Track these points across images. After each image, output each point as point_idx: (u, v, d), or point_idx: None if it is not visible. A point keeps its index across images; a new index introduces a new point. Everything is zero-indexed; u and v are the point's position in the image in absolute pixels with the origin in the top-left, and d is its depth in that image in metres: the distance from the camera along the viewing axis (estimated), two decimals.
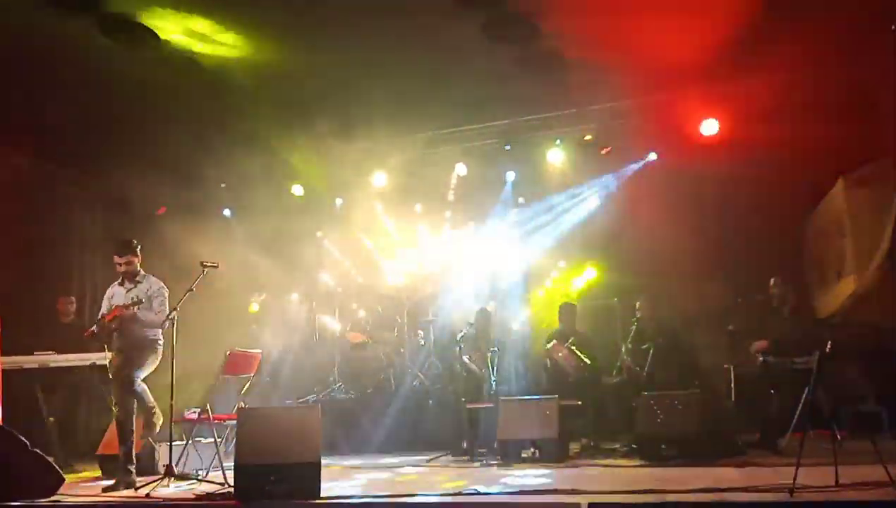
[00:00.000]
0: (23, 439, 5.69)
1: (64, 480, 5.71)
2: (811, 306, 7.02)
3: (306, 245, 11.04)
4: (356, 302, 10.76)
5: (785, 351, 6.57)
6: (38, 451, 5.72)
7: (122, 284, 6.43)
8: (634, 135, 9.68)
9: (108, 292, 6.54)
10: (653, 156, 9.85)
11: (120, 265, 6.35)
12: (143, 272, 6.44)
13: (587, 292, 9.74)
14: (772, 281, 7.11)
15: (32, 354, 7.69)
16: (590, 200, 10.44)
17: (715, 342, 7.97)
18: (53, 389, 7.75)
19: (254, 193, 10.56)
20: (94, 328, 6.37)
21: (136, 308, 6.13)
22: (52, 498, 5.47)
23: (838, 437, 5.94)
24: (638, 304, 7.98)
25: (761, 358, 6.71)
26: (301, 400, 9.54)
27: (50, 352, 7.71)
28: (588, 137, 9.80)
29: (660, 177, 9.73)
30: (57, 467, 5.75)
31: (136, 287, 6.35)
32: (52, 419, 7.70)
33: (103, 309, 6.42)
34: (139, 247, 6.46)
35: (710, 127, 9.15)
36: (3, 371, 6.26)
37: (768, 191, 8.90)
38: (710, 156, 9.06)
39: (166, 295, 6.39)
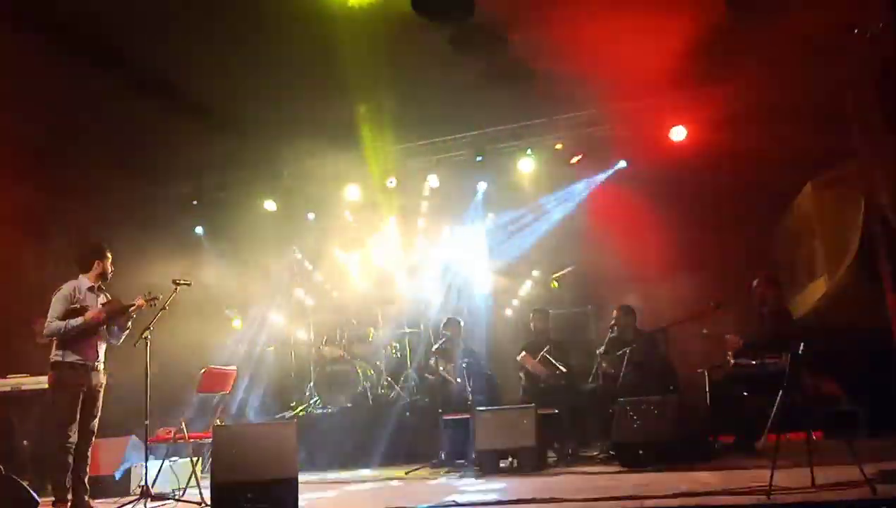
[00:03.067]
0: None
1: (38, 503, 5.62)
2: (788, 307, 7.07)
3: (280, 260, 10.96)
4: (330, 316, 10.71)
5: (761, 351, 6.64)
6: (11, 475, 5.64)
7: (91, 290, 5.99)
8: (604, 143, 9.75)
9: (68, 291, 5.89)
10: (622, 164, 9.92)
11: (112, 269, 6.08)
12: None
13: (560, 299, 9.74)
14: (754, 281, 7.16)
15: (6, 377, 7.56)
16: (557, 211, 10.47)
17: (690, 347, 8.04)
18: (27, 412, 7.59)
19: (225, 210, 10.52)
20: (91, 316, 5.81)
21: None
22: None
23: (813, 438, 6.06)
24: (614, 312, 8.02)
25: (732, 361, 6.77)
26: (279, 416, 9.46)
27: (24, 375, 7.58)
28: (558, 146, 9.86)
29: (631, 183, 9.81)
30: (30, 490, 5.65)
31: (102, 295, 6.04)
32: (25, 442, 7.56)
33: (83, 303, 5.87)
34: None
35: (678, 133, 9.26)
36: None
37: (739, 195, 9.03)
38: (680, 162, 9.17)
39: None
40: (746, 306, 7.25)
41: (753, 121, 8.52)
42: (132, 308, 5.88)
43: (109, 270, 6.07)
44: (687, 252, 9.13)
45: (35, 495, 5.63)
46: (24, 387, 7.46)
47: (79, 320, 5.74)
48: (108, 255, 6.09)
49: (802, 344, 6.14)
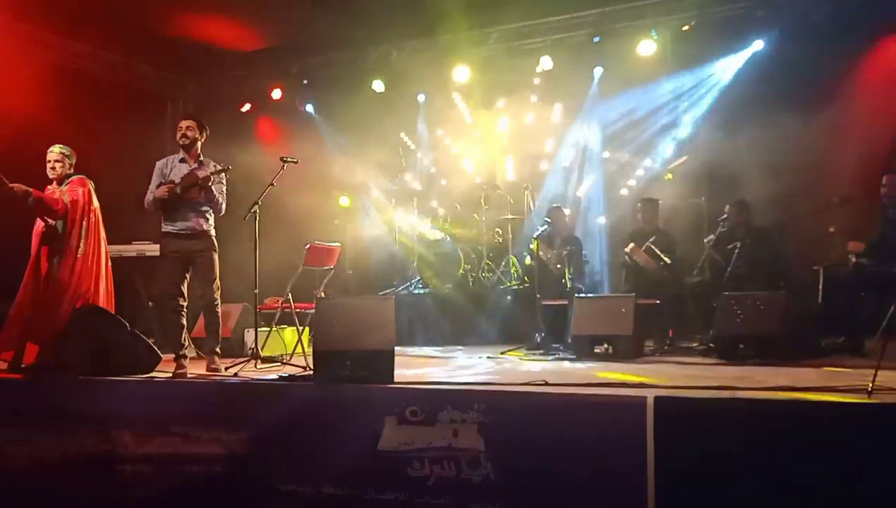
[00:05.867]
0: (123, 321, 6.12)
1: (161, 359, 6.15)
2: None
3: (387, 142, 11.04)
4: (435, 200, 10.80)
5: (886, 255, 6.20)
6: (137, 332, 6.16)
7: (183, 161, 6.14)
8: (738, 24, 9.02)
9: (162, 164, 6.15)
10: (759, 44, 9.17)
11: (181, 130, 6.13)
12: (201, 155, 6.22)
13: (674, 190, 9.37)
14: (884, 177, 6.62)
15: (131, 243, 8.17)
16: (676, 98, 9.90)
17: (810, 244, 7.63)
18: (151, 276, 8.18)
19: (335, 89, 10.59)
20: (162, 191, 5.97)
21: (215, 178, 5.96)
22: (150, 374, 5.91)
23: None
24: (727, 208, 7.66)
25: (854, 260, 6.37)
26: (382, 294, 9.80)
27: (147, 242, 8.15)
28: (685, 27, 9.24)
29: (763, 72, 9.10)
30: (155, 347, 6.17)
31: (199, 167, 6.09)
32: (150, 303, 8.21)
33: (156, 180, 6.11)
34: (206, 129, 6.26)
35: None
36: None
37: (878, 85, 8.24)
38: (818, 49, 8.36)
39: (225, 182, 6.23)
40: (875, 205, 6.73)
41: None
42: (201, 178, 5.93)
43: (178, 137, 6.15)
44: (815, 146, 8.42)
45: (158, 350, 6.15)
46: (147, 253, 8.05)
47: (150, 195, 6.07)
48: (183, 123, 6.18)
49: None
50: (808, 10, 8.44)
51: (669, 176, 9.63)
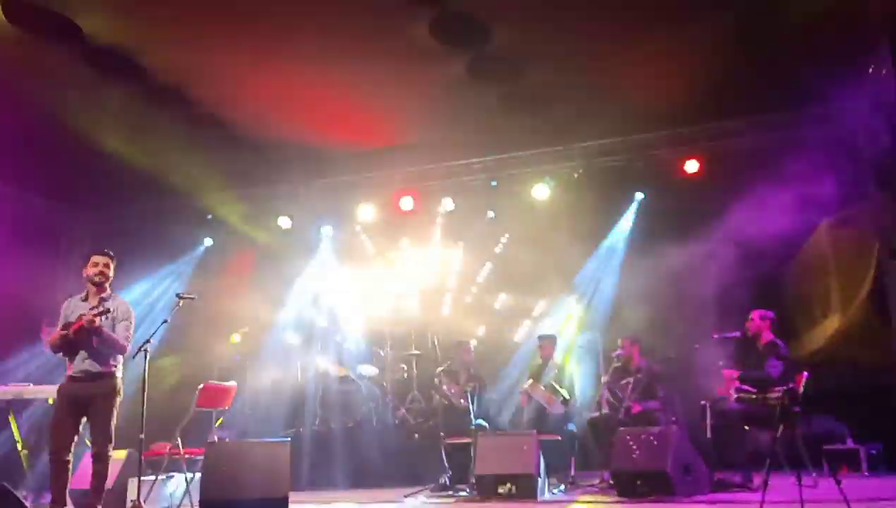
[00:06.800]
0: None
1: None
2: (784, 341, 7.01)
3: (291, 277, 11.02)
4: (339, 336, 10.72)
5: (759, 384, 6.58)
6: (5, 484, 5.67)
7: (85, 299, 5.81)
8: (621, 175, 9.74)
9: (67, 306, 5.87)
10: (639, 196, 9.89)
11: (96, 266, 5.80)
12: (110, 291, 5.90)
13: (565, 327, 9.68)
14: (751, 314, 7.12)
15: (7, 385, 7.67)
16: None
17: (694, 379, 7.94)
18: (27, 420, 7.66)
19: (238, 225, 10.63)
20: (53, 337, 5.73)
21: (101, 318, 5.54)
22: None
23: (813, 475, 5.95)
24: (620, 341, 7.97)
25: (735, 395, 6.69)
26: (284, 434, 9.45)
27: (26, 384, 7.66)
28: (576, 175, 9.86)
29: (643, 214, 9.79)
30: (24, 500, 5.68)
31: (100, 305, 5.64)
32: (24, 451, 7.63)
33: (61, 322, 5.80)
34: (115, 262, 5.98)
35: (692, 166, 9.26)
36: None
37: (752, 230, 8.94)
38: (693, 196, 9.12)
39: (133, 319, 5.89)
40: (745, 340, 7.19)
41: (768, 156, 8.50)
42: (72, 328, 5.62)
43: (93, 274, 5.82)
44: (697, 285, 8.98)
45: (27, 504, 5.66)
46: (24, 395, 7.55)
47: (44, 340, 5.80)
48: (93, 258, 5.87)
49: (805, 380, 6.09)
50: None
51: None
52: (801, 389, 6.42)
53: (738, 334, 7.10)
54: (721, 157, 9.16)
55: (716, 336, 7.01)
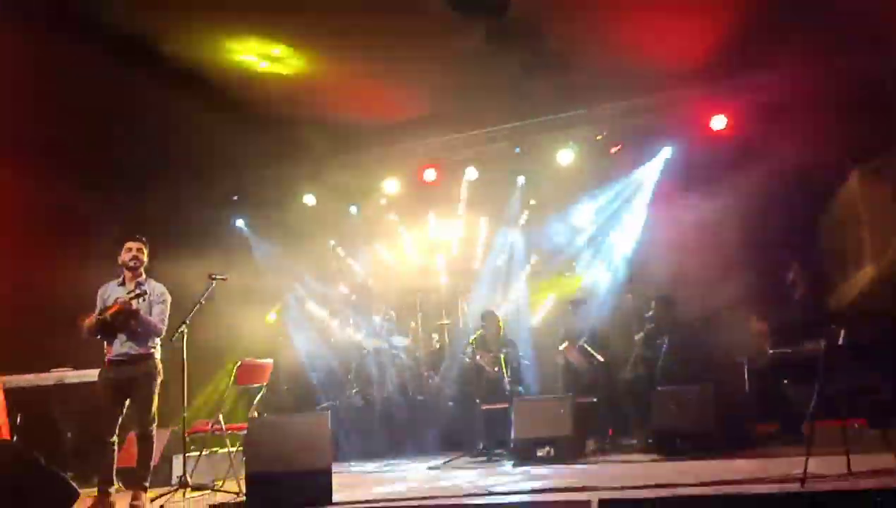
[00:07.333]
0: (35, 454, 5.74)
1: (78, 495, 5.74)
2: (822, 293, 6.91)
3: (320, 253, 11.08)
4: (371, 309, 10.79)
5: (794, 337, 6.51)
6: (52, 468, 5.78)
7: (122, 284, 5.89)
8: (646, 133, 9.62)
9: (102, 291, 5.94)
10: (668, 151, 9.75)
11: (130, 251, 5.87)
12: (145, 275, 5.96)
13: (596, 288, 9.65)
14: (787, 268, 7.03)
15: (49, 371, 7.81)
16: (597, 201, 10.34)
17: (731, 336, 7.89)
18: (70, 405, 7.80)
19: (265, 204, 10.66)
20: (91, 321, 5.78)
21: (138, 300, 5.65)
22: None
23: (856, 426, 5.90)
24: (653, 303, 7.92)
25: (771, 351, 6.63)
26: (319, 408, 9.57)
27: (67, 368, 7.81)
28: (599, 137, 9.75)
29: (671, 173, 9.67)
30: (72, 483, 5.80)
31: (134, 290, 5.75)
32: (69, 434, 7.79)
33: (98, 307, 5.89)
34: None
35: (719, 122, 9.10)
36: (21, 389, 6.27)
37: (783, 184, 8.81)
38: (721, 151, 9.00)
39: (168, 302, 5.94)
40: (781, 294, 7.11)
41: (796, 109, 8.33)
42: (110, 311, 5.71)
43: (127, 260, 5.89)
44: (728, 242, 8.90)
45: (75, 486, 5.78)
46: (66, 380, 7.69)
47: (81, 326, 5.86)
48: (127, 244, 5.94)
49: (843, 331, 6.02)
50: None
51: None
52: (839, 341, 6.34)
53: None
54: (748, 111, 8.99)
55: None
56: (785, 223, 8.73)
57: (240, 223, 11.22)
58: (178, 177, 9.77)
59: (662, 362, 7.30)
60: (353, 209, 11.18)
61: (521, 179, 10.47)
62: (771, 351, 6.64)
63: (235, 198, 10.96)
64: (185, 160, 9.51)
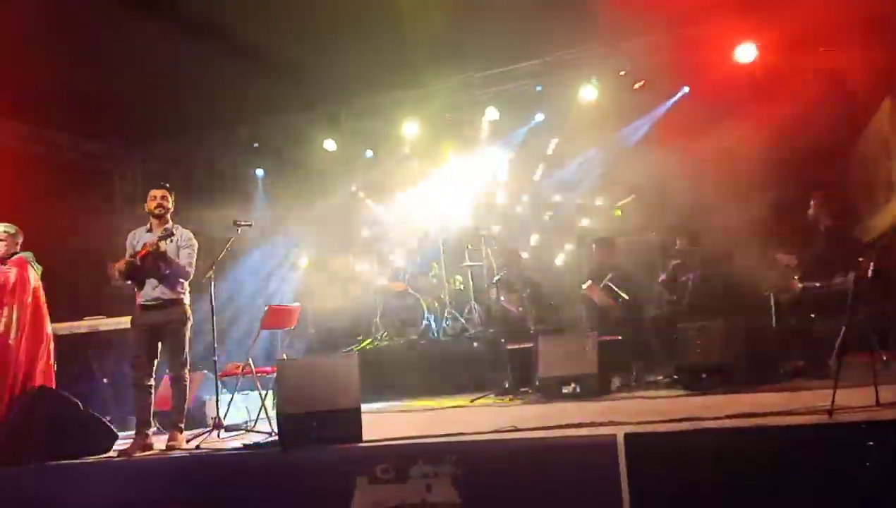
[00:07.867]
0: (75, 400, 5.92)
1: (117, 437, 5.96)
2: (848, 225, 6.81)
3: (341, 199, 11.11)
4: (394, 252, 10.84)
5: (820, 270, 6.43)
6: (91, 411, 5.97)
7: (149, 231, 6.00)
8: (669, 68, 9.40)
9: (131, 237, 6.06)
10: (685, 89, 9.56)
11: (154, 199, 5.97)
12: (171, 222, 6.06)
13: (625, 227, 9.59)
14: (813, 196, 6.93)
15: (82, 319, 7.98)
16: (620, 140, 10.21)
17: (758, 271, 7.82)
18: (105, 352, 7.98)
19: (285, 151, 10.65)
20: (121, 265, 5.89)
21: (166, 242, 5.77)
22: (106, 455, 5.72)
23: (884, 358, 5.87)
24: (678, 240, 7.86)
25: (800, 286, 6.56)
26: (345, 350, 9.71)
27: (100, 317, 7.97)
28: (622, 73, 9.56)
29: (696, 108, 9.48)
30: (110, 425, 5.99)
31: (163, 235, 5.85)
32: (105, 379, 8.00)
33: (128, 252, 5.99)
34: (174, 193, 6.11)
35: (746, 52, 8.85)
36: (57, 337, 6.41)
37: (811, 115, 8.61)
38: (748, 85, 8.79)
39: (195, 247, 6.01)
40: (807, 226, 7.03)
41: (828, 38, 8.08)
42: (139, 254, 5.82)
43: (153, 207, 5.98)
44: (755, 175, 8.76)
45: (114, 428, 5.97)
46: (100, 328, 7.86)
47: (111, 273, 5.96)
48: (152, 192, 6.04)
49: (871, 263, 5.93)
50: None
51: (618, 212, 9.83)
52: (868, 274, 6.27)
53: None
54: (775, 42, 8.73)
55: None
56: (810, 156, 8.60)
57: (259, 171, 11.23)
58: (200, 126, 9.75)
59: (689, 298, 7.26)
60: (373, 154, 11.13)
61: (539, 116, 10.32)
62: (801, 285, 6.56)
63: (256, 145, 10.93)
64: (208, 108, 9.47)
